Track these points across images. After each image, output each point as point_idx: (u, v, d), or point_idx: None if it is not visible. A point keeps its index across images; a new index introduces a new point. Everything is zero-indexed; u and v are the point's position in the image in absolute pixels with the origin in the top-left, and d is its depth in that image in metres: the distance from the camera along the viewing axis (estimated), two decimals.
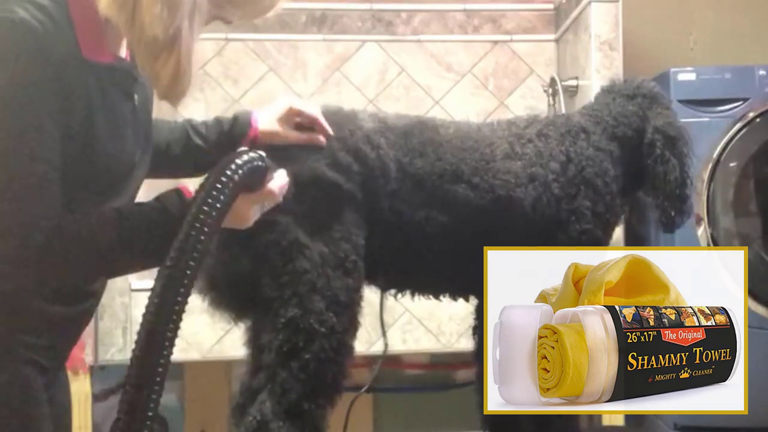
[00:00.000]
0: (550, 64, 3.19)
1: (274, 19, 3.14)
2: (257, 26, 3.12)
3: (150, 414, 1.09)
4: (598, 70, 2.60)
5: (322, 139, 1.47)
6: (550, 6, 3.21)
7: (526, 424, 1.68)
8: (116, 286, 2.35)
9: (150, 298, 1.11)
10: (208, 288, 1.48)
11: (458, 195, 1.53)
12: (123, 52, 1.22)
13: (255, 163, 1.19)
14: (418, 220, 1.51)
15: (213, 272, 1.46)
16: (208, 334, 2.37)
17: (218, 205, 1.13)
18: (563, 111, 2.87)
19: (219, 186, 1.14)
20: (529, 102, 3.18)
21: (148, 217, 1.15)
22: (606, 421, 2.56)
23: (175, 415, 2.86)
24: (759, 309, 2.45)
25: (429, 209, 1.51)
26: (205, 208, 1.12)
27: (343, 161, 1.46)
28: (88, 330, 2.30)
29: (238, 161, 1.17)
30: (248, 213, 1.24)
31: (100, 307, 2.34)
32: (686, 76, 2.53)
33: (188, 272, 1.10)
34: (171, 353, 1.12)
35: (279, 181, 1.27)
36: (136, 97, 1.22)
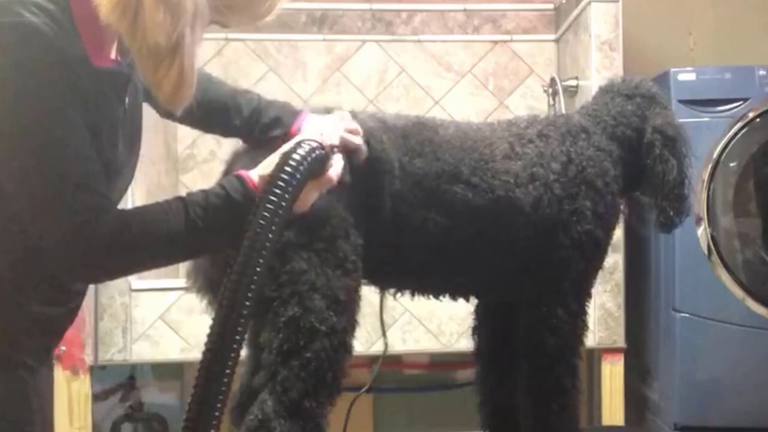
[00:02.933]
0: (550, 64, 3.19)
1: (274, 19, 3.15)
2: (257, 26, 3.11)
3: (217, 414, 1.11)
4: (598, 70, 2.60)
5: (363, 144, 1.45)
6: (550, 6, 3.21)
7: (525, 425, 1.68)
8: (116, 286, 2.35)
9: (225, 285, 1.12)
10: (206, 289, 1.48)
11: (457, 195, 1.52)
12: (113, 54, 1.22)
13: (318, 152, 1.22)
14: (418, 220, 1.50)
15: (210, 274, 1.46)
16: None
17: (288, 196, 1.16)
18: (563, 111, 2.87)
19: (288, 177, 1.16)
20: (529, 102, 3.18)
21: (213, 204, 1.16)
22: (606, 421, 2.56)
23: (175, 415, 2.86)
24: (759, 309, 2.45)
25: (428, 209, 1.50)
26: (275, 198, 1.14)
27: (349, 162, 1.45)
28: (88, 330, 2.31)
29: (303, 151, 1.19)
30: (309, 198, 1.26)
31: (99, 307, 2.36)
32: (686, 76, 2.53)
33: (260, 266, 1.13)
34: (242, 348, 1.14)
35: (338, 166, 1.29)
36: (127, 99, 1.22)
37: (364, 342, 2.40)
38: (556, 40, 3.18)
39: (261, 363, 1.44)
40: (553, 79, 3.01)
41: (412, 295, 1.64)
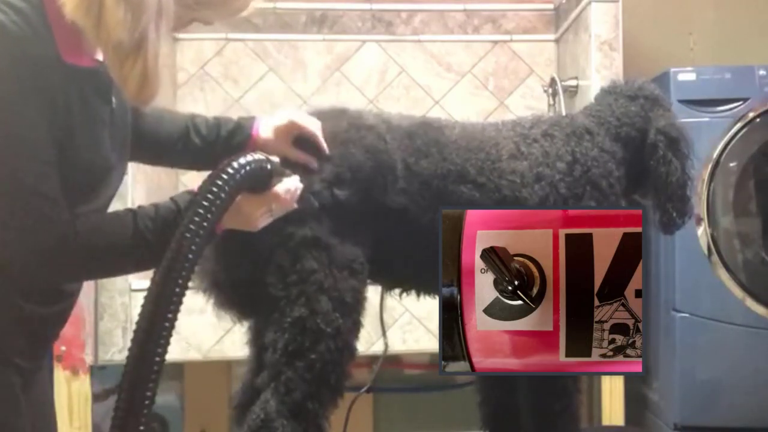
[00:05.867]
0: (550, 64, 3.19)
1: (274, 19, 3.16)
2: (257, 26, 3.12)
3: (145, 412, 1.11)
4: (598, 70, 2.60)
5: (314, 163, 1.44)
6: (550, 6, 3.21)
7: (526, 425, 1.68)
8: (116, 286, 2.35)
9: (146, 297, 1.12)
10: (211, 289, 1.48)
11: (464, 195, 1.52)
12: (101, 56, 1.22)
13: (258, 165, 1.19)
14: (425, 220, 1.50)
15: (216, 275, 1.46)
16: (208, 334, 2.37)
17: (214, 207, 1.14)
18: (563, 111, 2.87)
19: (216, 187, 1.15)
20: (529, 102, 3.18)
21: (162, 217, 1.17)
22: (606, 421, 2.56)
23: (175, 415, 2.86)
24: (759, 309, 2.45)
25: (435, 209, 1.50)
26: (201, 210, 1.13)
27: (352, 162, 1.46)
28: (88, 330, 2.31)
29: (240, 162, 1.17)
30: (254, 215, 1.25)
31: (100, 306, 2.36)
32: (686, 76, 2.53)
33: (183, 273, 1.12)
34: (166, 352, 1.14)
35: (288, 185, 1.27)
36: (114, 100, 1.22)
37: (364, 342, 2.38)
38: (556, 40, 3.18)
39: (264, 363, 1.44)
40: (553, 79, 3.01)
41: (418, 295, 1.64)
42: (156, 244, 1.15)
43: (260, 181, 1.22)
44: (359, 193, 1.45)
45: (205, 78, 3.10)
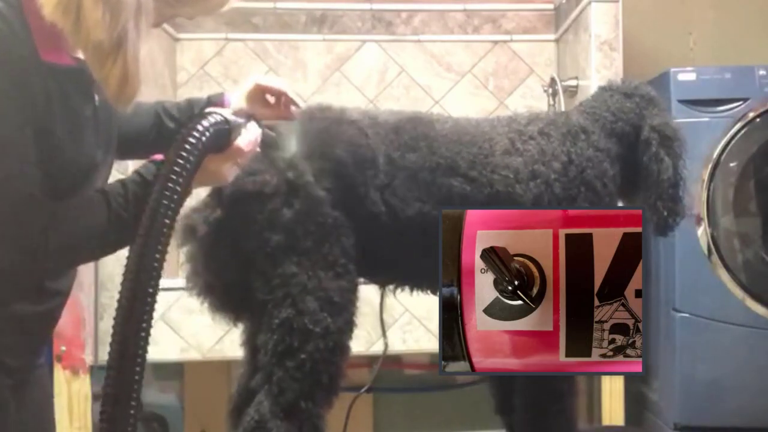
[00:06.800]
0: (550, 64, 3.19)
1: (274, 19, 3.16)
2: (257, 26, 3.12)
3: (135, 395, 1.12)
4: (598, 70, 2.60)
5: (291, 115, 1.48)
6: (550, 6, 3.21)
7: (521, 426, 1.67)
8: (116, 286, 2.34)
9: (126, 270, 1.14)
10: (205, 293, 1.49)
11: (454, 189, 1.52)
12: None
13: (218, 126, 1.22)
14: (413, 214, 1.50)
15: (207, 279, 1.47)
16: (208, 334, 2.37)
17: (185, 171, 1.17)
18: (563, 111, 2.86)
19: (184, 152, 1.17)
20: (529, 102, 3.18)
21: (133, 192, 1.18)
22: (606, 421, 2.56)
23: (175, 415, 2.87)
24: (759, 309, 2.45)
25: (423, 203, 1.50)
26: (173, 175, 1.16)
27: (330, 160, 1.46)
28: (88, 330, 2.31)
29: (201, 126, 1.20)
30: (222, 171, 1.26)
31: (100, 307, 2.36)
32: (686, 76, 2.53)
33: (161, 238, 1.14)
34: (150, 325, 1.14)
35: (248, 136, 1.28)
36: (96, 97, 1.22)
37: (364, 342, 2.40)
38: (556, 40, 3.18)
39: (257, 365, 1.44)
40: (553, 79, 3.02)
41: (411, 291, 1.64)
42: (131, 220, 1.16)
43: (222, 139, 1.24)
44: (341, 189, 1.45)
45: (205, 78, 3.10)
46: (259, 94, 1.50)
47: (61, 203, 1.13)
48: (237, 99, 1.50)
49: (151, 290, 1.13)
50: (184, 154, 1.17)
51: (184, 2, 1.20)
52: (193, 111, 1.48)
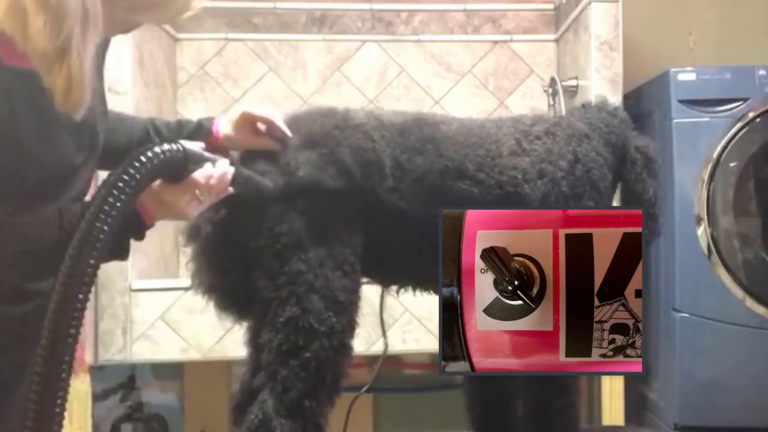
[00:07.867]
0: (550, 64, 3.19)
1: (274, 19, 3.16)
2: (257, 26, 3.12)
3: (59, 403, 1.10)
4: (598, 70, 2.59)
5: (280, 146, 1.46)
6: (550, 6, 3.21)
7: (525, 425, 1.68)
8: (116, 286, 2.35)
9: (55, 287, 1.12)
10: (209, 292, 1.49)
11: (462, 192, 1.52)
12: None
13: (171, 153, 1.20)
14: (421, 217, 1.50)
15: (211, 277, 1.47)
16: (208, 334, 2.37)
17: (123, 196, 1.15)
18: (563, 111, 2.86)
19: (125, 177, 1.15)
20: (529, 102, 3.18)
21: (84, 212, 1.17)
22: (606, 421, 2.56)
23: (175, 415, 2.87)
24: (759, 309, 2.45)
25: (431, 206, 1.50)
26: (110, 198, 1.14)
27: (339, 163, 1.46)
28: (88, 330, 2.31)
29: (152, 152, 1.18)
30: (179, 204, 1.25)
31: (100, 307, 2.36)
32: (686, 76, 2.53)
33: (91, 261, 1.12)
34: (76, 340, 1.13)
35: (207, 171, 1.27)
36: None
37: (364, 342, 2.40)
38: (556, 40, 3.18)
39: (261, 363, 1.44)
40: (553, 79, 3.02)
41: (414, 291, 1.64)
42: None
43: (175, 168, 1.22)
44: (347, 193, 1.45)
45: (205, 78, 3.10)
46: (247, 122, 1.49)
47: (16, 219, 1.13)
48: (225, 125, 1.49)
49: (81, 297, 1.12)
50: (125, 176, 1.15)
51: (146, 8, 1.19)
52: (181, 132, 1.48)
